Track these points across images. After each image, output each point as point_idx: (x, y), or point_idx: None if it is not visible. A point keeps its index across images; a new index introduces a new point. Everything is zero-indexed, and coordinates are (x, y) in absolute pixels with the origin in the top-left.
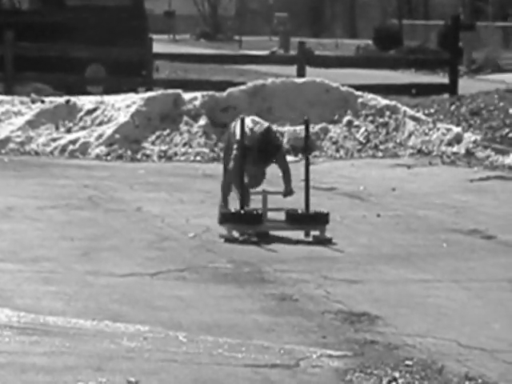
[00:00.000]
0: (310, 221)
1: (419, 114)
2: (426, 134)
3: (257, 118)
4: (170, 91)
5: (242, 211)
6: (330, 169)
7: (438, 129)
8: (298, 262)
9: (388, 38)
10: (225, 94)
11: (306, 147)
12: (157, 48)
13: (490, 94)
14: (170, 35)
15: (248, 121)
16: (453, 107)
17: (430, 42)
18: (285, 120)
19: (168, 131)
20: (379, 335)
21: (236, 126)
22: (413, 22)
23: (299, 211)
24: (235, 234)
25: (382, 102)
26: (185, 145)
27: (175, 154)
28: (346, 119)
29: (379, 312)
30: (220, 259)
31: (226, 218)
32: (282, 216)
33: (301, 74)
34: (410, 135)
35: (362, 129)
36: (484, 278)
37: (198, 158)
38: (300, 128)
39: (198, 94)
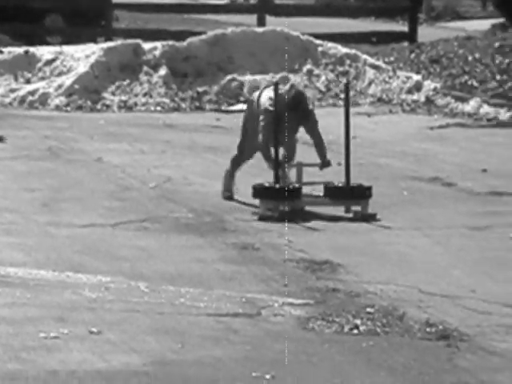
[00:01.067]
0: (352, 195)
1: (379, 63)
2: (386, 82)
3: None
4: (130, 41)
5: (277, 186)
6: None
7: (398, 77)
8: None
9: None
10: (185, 43)
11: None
12: None
13: (450, 42)
14: None
15: (268, 92)
16: (412, 55)
17: None
18: (245, 69)
19: (128, 81)
20: (341, 283)
21: (261, 96)
22: None
23: (339, 184)
24: (268, 210)
25: (342, 50)
26: (145, 95)
27: (135, 104)
28: (306, 68)
29: (341, 260)
30: (181, 209)
31: (257, 192)
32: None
33: (261, 23)
34: (370, 83)
35: (323, 78)
36: (445, 226)
37: (159, 108)
38: (260, 77)
39: (158, 44)
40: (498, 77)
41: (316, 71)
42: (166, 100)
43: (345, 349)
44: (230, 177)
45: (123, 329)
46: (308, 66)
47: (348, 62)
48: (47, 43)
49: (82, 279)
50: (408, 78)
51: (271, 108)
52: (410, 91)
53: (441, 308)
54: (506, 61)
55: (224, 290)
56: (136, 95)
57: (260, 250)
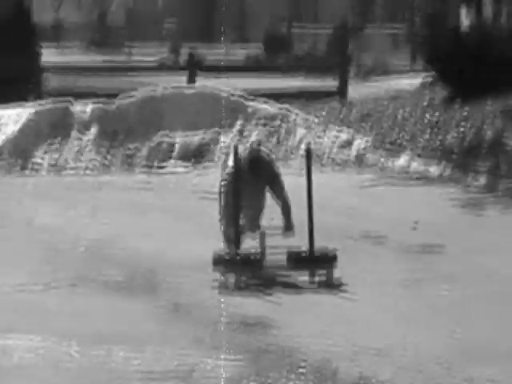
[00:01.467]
0: (317, 262)
1: (311, 118)
2: (316, 138)
3: (246, 144)
4: (59, 104)
5: (238, 255)
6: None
7: (330, 132)
8: (192, 271)
9: (277, 44)
10: (114, 106)
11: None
12: (46, 57)
13: (379, 99)
14: (60, 43)
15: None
16: (342, 111)
17: (319, 47)
18: (176, 129)
19: (57, 142)
20: (275, 341)
21: (229, 157)
22: (302, 25)
23: (303, 251)
24: (231, 280)
25: (274, 107)
26: (77, 156)
27: (65, 166)
28: (236, 126)
29: (274, 316)
30: (112, 269)
31: (216, 260)
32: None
33: (191, 80)
34: (300, 140)
35: (254, 134)
36: (378, 281)
37: (88, 169)
38: (192, 133)
39: (89, 106)
40: (428, 132)
41: (248, 127)
42: (97, 160)
43: None
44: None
45: None
46: (239, 122)
47: (279, 119)
48: None
49: (9, 344)
50: (339, 133)
51: (231, 170)
52: (340, 147)
53: (373, 363)
54: (436, 117)
55: (157, 351)
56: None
57: (193, 309)
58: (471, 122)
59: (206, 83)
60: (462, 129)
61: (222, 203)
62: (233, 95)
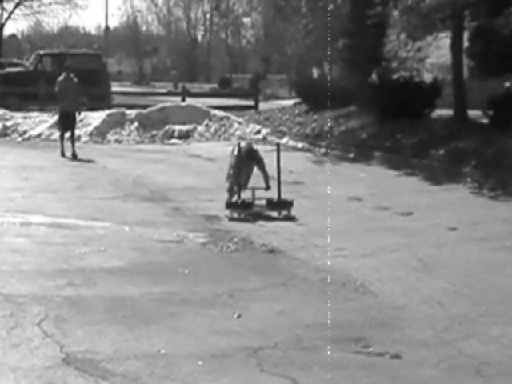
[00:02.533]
0: (282, 205)
1: (241, 119)
2: (244, 129)
3: (243, 143)
4: (119, 110)
5: (240, 201)
6: (197, 147)
7: (250, 127)
8: (185, 191)
9: (226, 83)
10: (145, 111)
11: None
12: (114, 88)
13: (274, 110)
14: (120, 82)
15: (236, 146)
16: (256, 116)
17: (246, 84)
18: (176, 123)
19: (119, 129)
20: (222, 226)
21: (234, 149)
22: (238, 74)
23: (274, 200)
24: (235, 214)
25: (223, 114)
26: (128, 135)
27: (122, 140)
28: (205, 122)
29: (222, 214)
30: (144, 190)
31: (228, 205)
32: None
33: (183, 100)
34: (236, 130)
35: (213, 127)
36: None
37: (133, 142)
38: (187, 127)
39: (133, 111)
40: (297, 126)
41: (210, 123)
42: (138, 138)
43: (224, 258)
44: (233, 194)
45: (118, 247)
46: (206, 121)
47: (225, 119)
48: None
49: (96, 224)
50: (254, 127)
51: (236, 153)
52: (255, 133)
53: (270, 236)
54: (301, 119)
55: (165, 230)
56: (123, 135)
57: (183, 209)
58: (318, 122)
59: (190, 101)
60: (313, 125)
61: (231, 173)
62: (205, 106)
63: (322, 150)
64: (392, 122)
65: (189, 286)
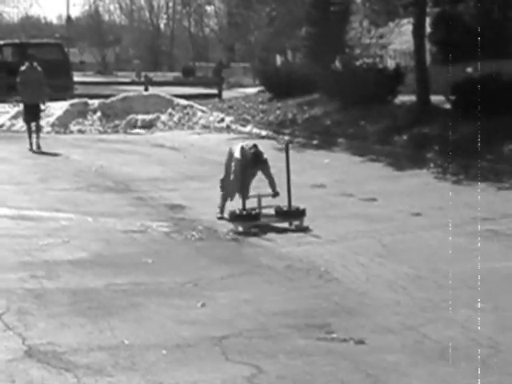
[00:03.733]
0: (292, 215)
1: (204, 108)
2: (207, 118)
3: (245, 144)
4: (82, 100)
5: (245, 212)
6: (161, 136)
7: (213, 115)
8: (149, 181)
9: (189, 72)
10: (108, 101)
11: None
12: (76, 78)
13: (238, 98)
14: (83, 72)
15: (238, 147)
16: (220, 104)
17: (210, 73)
18: (139, 113)
19: (82, 119)
20: (186, 215)
21: (236, 150)
22: (201, 63)
23: (284, 208)
24: (240, 228)
25: (186, 102)
26: (91, 125)
27: (85, 130)
28: (168, 111)
29: (186, 203)
30: (108, 180)
31: (232, 217)
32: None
33: (146, 89)
34: (199, 118)
35: (176, 116)
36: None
37: (96, 132)
38: (150, 116)
39: (96, 101)
40: (260, 114)
41: (173, 112)
42: (100, 128)
43: (188, 246)
44: (221, 208)
45: (81, 238)
46: (170, 110)
47: (189, 108)
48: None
49: (59, 216)
50: (218, 115)
51: (239, 157)
52: (219, 122)
53: (230, 225)
54: (265, 107)
55: (129, 220)
56: (85, 125)
57: (146, 199)
58: (282, 110)
59: (154, 90)
60: (277, 112)
61: (232, 178)
62: (167, 96)
63: (286, 138)
64: (355, 109)
65: (153, 275)
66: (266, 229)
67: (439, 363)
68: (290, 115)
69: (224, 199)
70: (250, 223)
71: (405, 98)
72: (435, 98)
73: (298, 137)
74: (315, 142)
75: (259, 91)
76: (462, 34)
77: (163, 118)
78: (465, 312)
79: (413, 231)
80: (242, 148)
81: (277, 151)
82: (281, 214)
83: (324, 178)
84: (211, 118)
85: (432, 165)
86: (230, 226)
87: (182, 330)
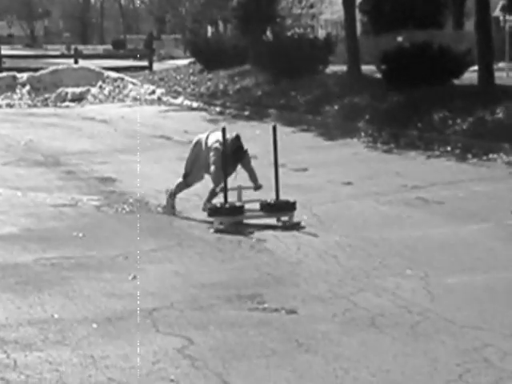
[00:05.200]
0: (281, 209)
1: (135, 80)
2: (138, 90)
3: (219, 133)
4: (11, 73)
5: (227, 205)
6: (91, 109)
7: (144, 87)
8: (79, 154)
9: (120, 44)
10: (37, 74)
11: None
12: (4, 51)
13: (169, 70)
14: (11, 45)
15: (216, 135)
16: (150, 76)
17: (141, 46)
18: (69, 86)
19: (10, 93)
20: (117, 188)
21: (209, 138)
22: (132, 35)
23: (271, 201)
24: (220, 225)
25: (117, 75)
26: (20, 99)
27: (14, 104)
28: (99, 84)
29: (117, 176)
30: (38, 155)
31: (211, 211)
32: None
33: (76, 62)
34: (130, 91)
35: (107, 88)
36: (168, 157)
37: (25, 105)
38: (79, 90)
39: (25, 74)
40: (192, 86)
41: (104, 85)
42: (29, 102)
43: (119, 220)
44: (173, 198)
45: (10, 213)
46: (100, 83)
47: (119, 80)
48: None
49: None
50: (148, 87)
51: (220, 147)
52: (150, 94)
53: (165, 198)
54: (196, 78)
55: (59, 194)
56: (14, 99)
57: (77, 173)
58: (213, 81)
59: (84, 63)
60: (208, 84)
61: (213, 169)
62: (97, 69)
63: (218, 109)
64: (287, 80)
65: (83, 249)
66: (249, 225)
67: (370, 331)
68: (221, 86)
69: (213, 193)
70: (233, 218)
71: (336, 68)
72: (366, 68)
73: (229, 108)
74: (246, 113)
75: (190, 63)
76: (393, 3)
77: (93, 90)
78: (394, 280)
79: (344, 200)
80: (224, 136)
81: (208, 123)
82: (267, 207)
83: (255, 149)
84: (142, 91)
85: (363, 134)
86: (162, 199)
87: (112, 304)
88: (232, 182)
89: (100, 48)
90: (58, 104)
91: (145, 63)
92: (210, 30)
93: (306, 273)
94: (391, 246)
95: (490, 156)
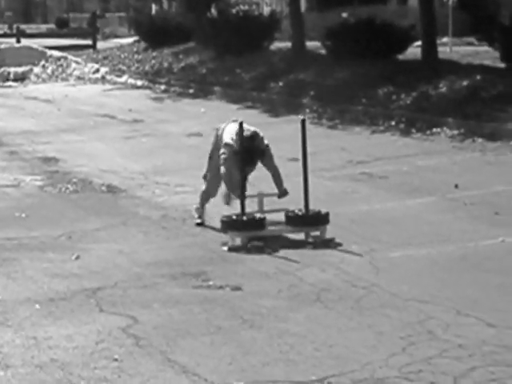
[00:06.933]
0: (311, 222)
1: (79, 59)
2: (82, 69)
3: (245, 125)
4: None
5: (245, 217)
6: (35, 89)
7: (88, 66)
8: (22, 134)
9: (63, 23)
10: None
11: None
12: None
13: (113, 49)
14: None
15: (234, 127)
16: (94, 55)
17: (83, 24)
18: (11, 65)
19: None
20: (61, 168)
21: (224, 130)
22: (75, 14)
23: (299, 213)
24: (238, 240)
25: (60, 54)
26: None
27: None
28: (42, 63)
29: (61, 156)
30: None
31: (226, 224)
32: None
33: (18, 41)
34: (74, 70)
35: (50, 68)
36: (111, 136)
37: None
38: (23, 69)
39: None
40: (136, 64)
41: (47, 64)
42: None
43: (62, 200)
44: (201, 209)
45: None
46: (43, 62)
47: (62, 59)
48: None
49: None
50: (92, 66)
51: (232, 142)
52: (93, 72)
53: (109, 177)
54: (140, 57)
55: (1, 175)
56: None
57: (19, 153)
58: (157, 59)
59: (26, 42)
60: (152, 62)
61: (222, 170)
62: (40, 48)
63: (162, 87)
64: (231, 57)
65: (26, 230)
66: (273, 242)
67: (315, 306)
68: (165, 64)
69: (205, 198)
70: (251, 234)
71: (281, 45)
72: (312, 44)
73: (173, 86)
74: (191, 90)
75: (135, 41)
76: None
77: (36, 70)
78: (340, 254)
79: (290, 176)
80: (241, 130)
81: (152, 101)
82: (293, 220)
83: (200, 127)
84: (86, 70)
85: (308, 110)
86: (107, 179)
87: (55, 284)
88: (251, 187)
89: (43, 27)
90: (0, 84)
91: (88, 42)
92: (154, 7)
93: (252, 249)
94: (336, 220)
95: (434, 130)
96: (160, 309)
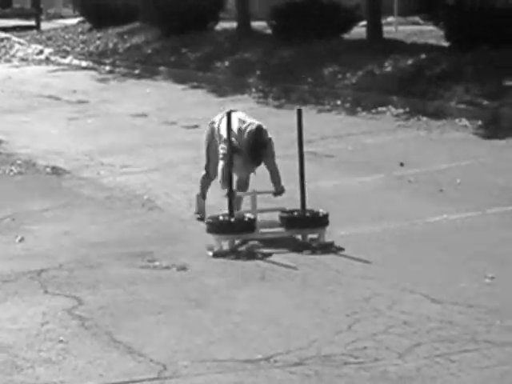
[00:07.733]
0: (309, 223)
1: (22, 40)
2: (25, 50)
3: (243, 116)
4: None
5: (232, 219)
6: None
7: (31, 47)
8: None
9: (5, 3)
10: None
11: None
12: None
13: (57, 29)
14: None
15: (235, 119)
16: (38, 36)
17: (26, 4)
18: None
19: None
20: (4, 149)
21: (222, 122)
22: None
23: (295, 213)
24: (225, 245)
25: (3, 35)
26: None
27: None
28: None
29: (4, 138)
30: None
31: (211, 226)
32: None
33: None
34: (17, 51)
35: None
36: (57, 117)
37: None
38: None
39: None
40: (81, 45)
41: None
42: None
43: (6, 181)
44: (202, 199)
45: None
46: None
47: (6, 40)
48: None
49: None
50: (36, 47)
51: (233, 139)
52: (37, 54)
53: (54, 158)
54: (85, 37)
55: None
56: None
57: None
58: (102, 40)
59: None
60: (97, 42)
61: (220, 166)
62: None
63: (107, 68)
64: (176, 37)
65: None
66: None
67: (260, 285)
68: (110, 45)
69: (204, 191)
70: (239, 236)
71: (226, 25)
72: (259, 25)
73: (119, 67)
74: (137, 71)
75: (80, 22)
76: None
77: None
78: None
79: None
80: (240, 122)
81: (97, 82)
82: (289, 221)
83: (146, 107)
84: (29, 51)
85: (254, 90)
86: (51, 160)
87: None
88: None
89: None
90: None
91: (32, 23)
92: None
93: (197, 229)
94: (283, 198)
95: (379, 109)
96: (105, 289)
